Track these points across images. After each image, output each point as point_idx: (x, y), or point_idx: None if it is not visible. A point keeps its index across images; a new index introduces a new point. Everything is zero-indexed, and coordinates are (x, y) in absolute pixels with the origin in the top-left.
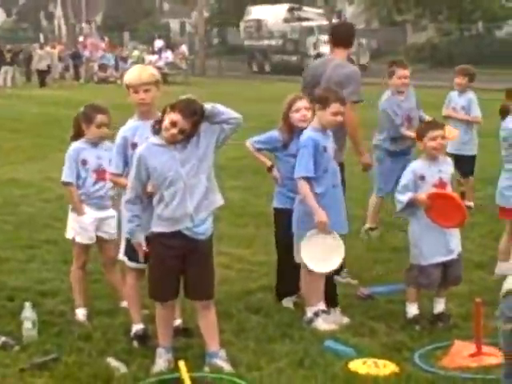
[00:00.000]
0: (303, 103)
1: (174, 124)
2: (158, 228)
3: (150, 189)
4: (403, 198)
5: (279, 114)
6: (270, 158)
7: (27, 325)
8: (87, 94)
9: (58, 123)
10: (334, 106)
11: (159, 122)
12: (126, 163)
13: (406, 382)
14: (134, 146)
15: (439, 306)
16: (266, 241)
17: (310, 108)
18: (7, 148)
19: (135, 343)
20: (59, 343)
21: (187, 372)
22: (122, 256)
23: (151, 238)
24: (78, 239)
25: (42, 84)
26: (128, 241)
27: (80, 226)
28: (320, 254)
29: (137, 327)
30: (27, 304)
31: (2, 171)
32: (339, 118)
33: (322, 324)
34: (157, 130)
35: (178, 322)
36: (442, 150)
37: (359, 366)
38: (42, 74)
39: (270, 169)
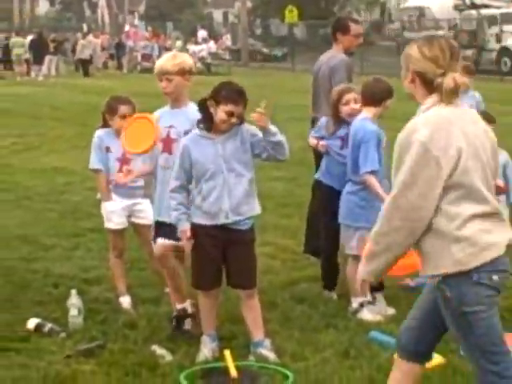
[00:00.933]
0: (352, 95)
1: (231, 114)
2: (197, 219)
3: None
4: None
5: None
6: None
7: (73, 312)
8: (130, 83)
9: (100, 112)
10: (387, 102)
11: (206, 118)
12: None
13: (453, 373)
14: None
15: None
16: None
17: (359, 100)
18: (51, 136)
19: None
20: (104, 330)
21: (232, 361)
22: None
23: (192, 228)
24: (108, 225)
25: (86, 74)
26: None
27: (109, 212)
28: None
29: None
30: (73, 291)
31: (46, 160)
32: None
33: (368, 315)
34: (208, 127)
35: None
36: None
37: None
38: (85, 64)
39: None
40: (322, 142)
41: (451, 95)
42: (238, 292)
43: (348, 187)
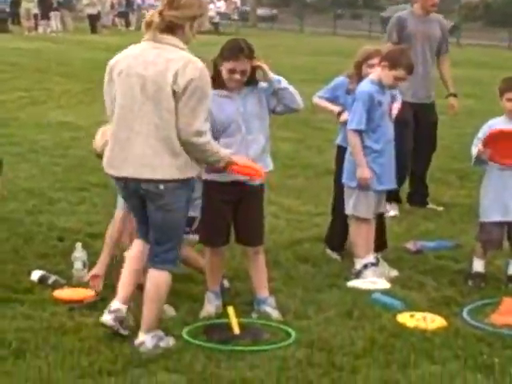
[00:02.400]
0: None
1: (233, 71)
2: (210, 176)
3: None
4: (473, 150)
5: (330, 66)
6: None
7: (77, 265)
8: (138, 40)
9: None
10: (401, 72)
11: (216, 76)
12: None
13: (454, 336)
14: None
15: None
16: (316, 192)
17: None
18: (58, 92)
19: None
20: (108, 284)
21: (235, 318)
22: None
23: (204, 183)
24: None
25: (93, 30)
26: None
27: None
28: None
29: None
30: (78, 244)
31: (52, 114)
32: (400, 83)
33: (371, 276)
34: (220, 83)
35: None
36: None
37: (407, 319)
38: (92, 20)
39: (340, 113)
40: (344, 116)
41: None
42: (245, 249)
43: (349, 147)
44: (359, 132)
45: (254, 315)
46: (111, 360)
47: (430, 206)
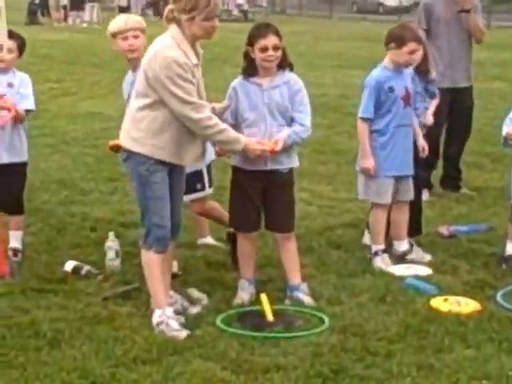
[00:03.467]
0: (417, 46)
1: (265, 49)
2: (236, 163)
3: None
4: (504, 130)
5: (359, 52)
6: None
7: (110, 255)
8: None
9: None
10: (412, 45)
11: (249, 64)
12: None
13: (488, 320)
14: None
15: None
16: (347, 178)
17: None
18: (88, 82)
19: None
20: (141, 273)
21: (268, 305)
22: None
23: (232, 169)
24: None
25: None
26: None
27: None
28: None
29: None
30: (111, 234)
31: (83, 105)
32: (417, 57)
33: (380, 263)
34: (251, 72)
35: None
36: None
37: (441, 303)
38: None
39: None
40: None
41: None
42: (276, 236)
43: None
44: (367, 120)
45: (287, 302)
46: (146, 349)
47: (463, 190)
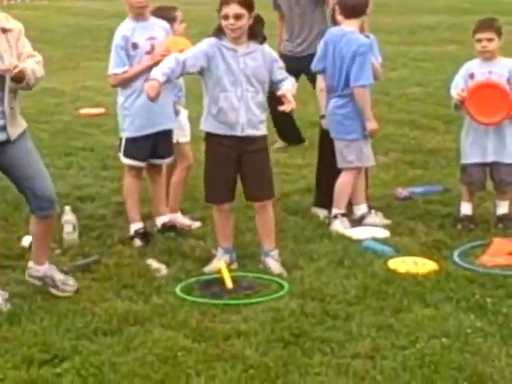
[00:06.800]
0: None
1: (226, 17)
2: (211, 129)
3: None
4: (452, 92)
5: None
6: None
7: (68, 228)
8: (119, 5)
9: (89, 34)
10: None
11: (218, 27)
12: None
13: (446, 279)
14: (135, 45)
15: (500, 209)
16: (303, 145)
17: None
18: None
19: (137, 242)
20: (99, 246)
21: (228, 273)
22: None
23: (205, 138)
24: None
25: None
26: (127, 139)
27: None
28: None
29: (136, 226)
30: (67, 208)
31: None
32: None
33: (338, 225)
34: (220, 35)
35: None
36: (487, 53)
37: (398, 264)
38: None
39: None
40: None
41: None
42: (253, 204)
43: (335, 102)
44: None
45: (261, 267)
46: (106, 320)
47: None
